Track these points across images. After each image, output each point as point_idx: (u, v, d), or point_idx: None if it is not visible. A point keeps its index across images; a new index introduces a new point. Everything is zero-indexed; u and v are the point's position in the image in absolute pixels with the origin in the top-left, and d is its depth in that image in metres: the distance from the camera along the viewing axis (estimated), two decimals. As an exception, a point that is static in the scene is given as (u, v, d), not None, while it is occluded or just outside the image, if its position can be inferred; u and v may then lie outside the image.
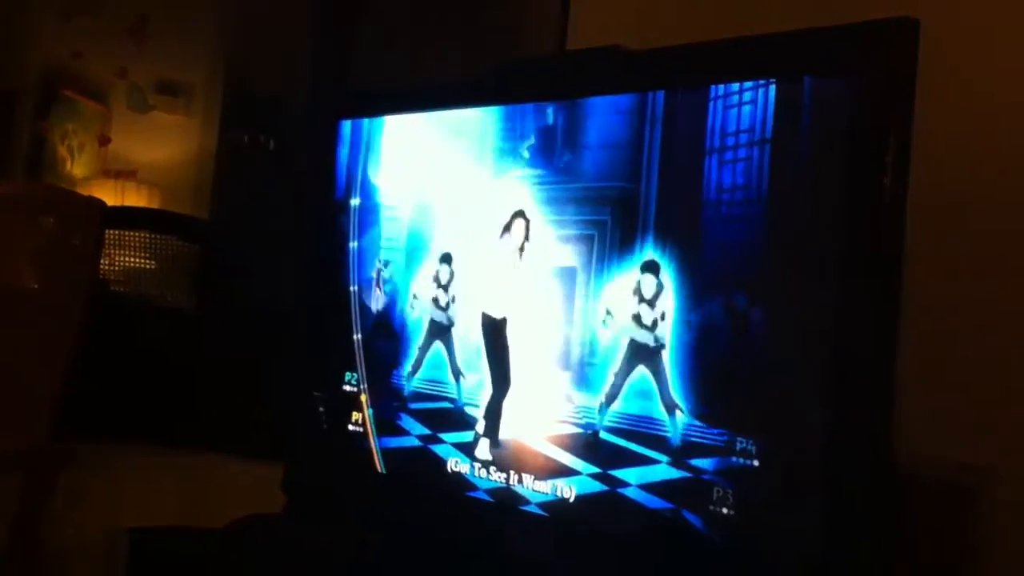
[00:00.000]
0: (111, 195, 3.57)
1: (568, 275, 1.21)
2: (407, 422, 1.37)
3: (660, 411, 1.10)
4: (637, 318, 1.13)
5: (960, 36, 1.35)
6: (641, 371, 1.12)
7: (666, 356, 1.10)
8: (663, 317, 1.10)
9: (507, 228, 1.28)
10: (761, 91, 1.06)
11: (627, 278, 1.15)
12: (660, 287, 1.11)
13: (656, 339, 1.11)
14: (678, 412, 1.08)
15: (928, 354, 1.22)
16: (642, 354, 1.12)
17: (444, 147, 1.37)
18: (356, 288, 1.46)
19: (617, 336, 1.15)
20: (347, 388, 1.45)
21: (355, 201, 1.47)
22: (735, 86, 1.08)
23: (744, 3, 1.62)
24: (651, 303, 1.12)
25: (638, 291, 1.13)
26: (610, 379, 1.15)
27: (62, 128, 3.97)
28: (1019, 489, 1.28)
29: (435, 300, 1.36)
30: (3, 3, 3.51)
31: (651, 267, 1.13)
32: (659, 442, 1.10)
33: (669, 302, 1.10)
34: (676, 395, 1.09)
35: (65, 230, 1.93)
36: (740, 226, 1.06)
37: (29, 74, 3.82)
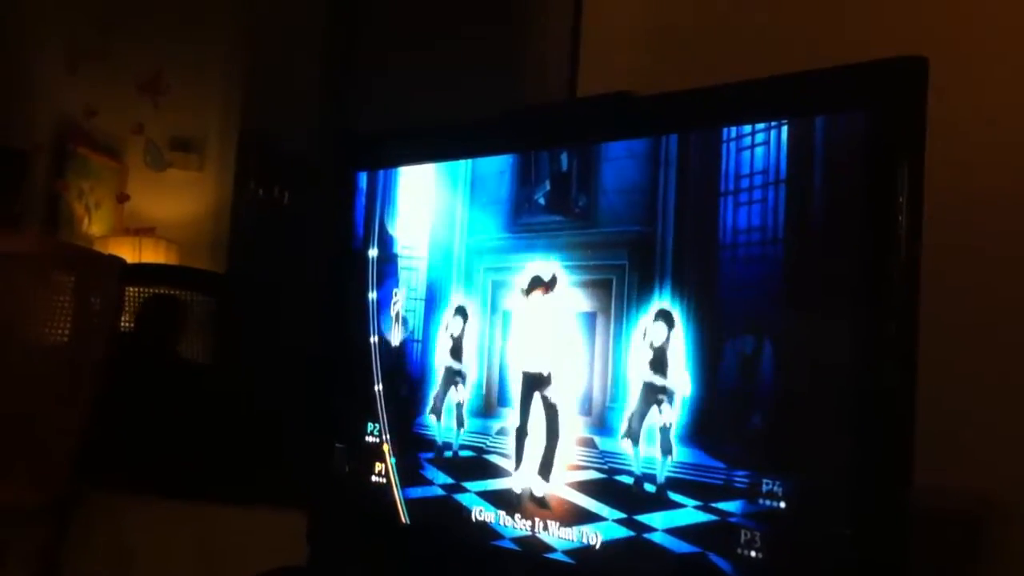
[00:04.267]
0: (129, 252, 3.59)
1: (588, 320, 1.21)
2: (431, 472, 1.37)
3: (683, 454, 1.09)
4: (652, 362, 1.13)
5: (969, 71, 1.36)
6: (658, 413, 1.12)
7: (682, 399, 1.10)
8: (678, 360, 1.10)
9: (530, 283, 1.28)
10: (774, 132, 1.07)
11: (644, 321, 1.15)
12: (674, 331, 1.11)
13: (670, 382, 1.11)
14: (697, 453, 1.08)
15: (939, 383, 1.22)
16: (657, 397, 1.12)
17: (458, 195, 1.38)
18: (376, 339, 1.46)
19: (637, 379, 1.15)
20: (369, 439, 1.45)
21: (373, 252, 1.48)
22: (748, 127, 1.09)
23: (751, 44, 1.64)
24: (665, 346, 1.12)
25: (653, 335, 1.13)
26: (633, 424, 1.15)
27: (78, 186, 4.00)
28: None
29: (450, 349, 1.37)
30: (10, 59, 3.55)
31: (664, 314, 1.13)
32: (685, 486, 1.09)
33: (683, 345, 1.10)
34: (695, 437, 1.08)
35: (85, 288, 1.95)
36: (757, 266, 1.06)
37: (43, 132, 3.85)
